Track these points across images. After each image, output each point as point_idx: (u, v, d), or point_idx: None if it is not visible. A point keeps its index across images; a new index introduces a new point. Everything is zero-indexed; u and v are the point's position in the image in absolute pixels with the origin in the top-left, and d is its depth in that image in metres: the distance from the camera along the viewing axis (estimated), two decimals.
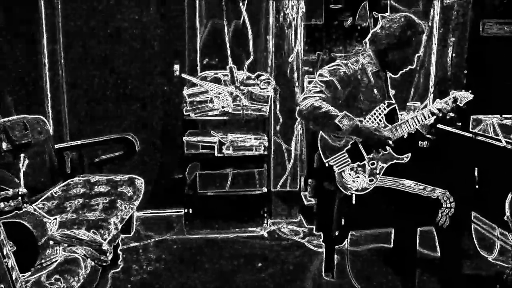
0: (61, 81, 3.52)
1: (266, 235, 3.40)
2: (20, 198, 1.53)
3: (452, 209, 2.32)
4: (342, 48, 3.50)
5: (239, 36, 3.58)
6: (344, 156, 2.43)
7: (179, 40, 3.59)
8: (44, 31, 3.41)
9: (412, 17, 2.47)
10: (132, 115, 3.64)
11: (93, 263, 2.04)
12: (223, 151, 3.34)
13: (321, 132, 2.45)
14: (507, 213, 2.42)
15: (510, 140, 2.71)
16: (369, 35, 2.54)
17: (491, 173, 2.85)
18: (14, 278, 1.47)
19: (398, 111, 2.52)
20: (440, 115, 2.46)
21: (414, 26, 2.44)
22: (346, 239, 2.75)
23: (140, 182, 2.87)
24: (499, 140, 2.75)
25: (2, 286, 1.45)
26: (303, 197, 3.62)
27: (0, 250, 1.43)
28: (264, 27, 3.57)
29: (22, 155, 2.01)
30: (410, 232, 2.43)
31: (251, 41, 3.59)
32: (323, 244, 2.78)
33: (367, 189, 2.43)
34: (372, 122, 2.42)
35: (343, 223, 2.57)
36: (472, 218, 3.22)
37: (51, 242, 1.87)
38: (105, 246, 2.12)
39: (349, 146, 2.43)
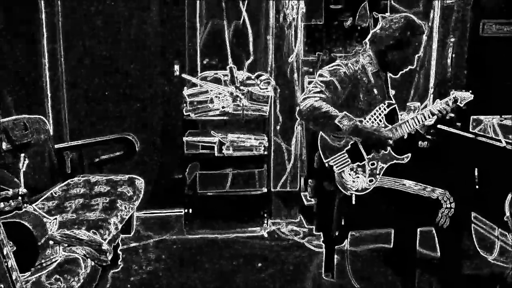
0: (61, 81, 3.52)
1: (266, 235, 3.40)
2: (20, 198, 1.53)
3: (452, 210, 2.32)
4: (342, 49, 3.50)
5: (239, 36, 3.58)
6: (344, 156, 2.43)
7: (179, 40, 3.59)
8: (44, 31, 3.41)
9: (412, 18, 2.47)
10: (132, 115, 3.64)
11: (93, 263, 2.04)
12: (223, 151, 3.34)
13: (321, 132, 2.45)
14: (507, 213, 2.43)
15: (510, 141, 2.71)
16: (369, 36, 2.54)
17: (491, 173, 2.85)
18: (14, 278, 1.47)
19: (398, 111, 2.52)
20: (440, 115, 2.46)
21: (414, 26, 2.44)
22: (346, 239, 2.75)
23: (140, 182, 2.87)
24: (499, 141, 2.75)
25: (2, 286, 1.45)
26: (303, 197, 3.62)
27: (0, 250, 1.43)
28: (264, 27, 3.58)
29: (22, 155, 2.00)
30: (410, 232, 2.43)
31: (251, 41, 3.59)
32: (323, 244, 2.78)
33: (367, 189, 2.43)
34: (372, 122, 2.43)
35: (343, 223, 2.57)
36: (472, 218, 3.22)
37: (51, 242, 1.86)
38: (105, 246, 2.12)
39: (349, 147, 2.43)
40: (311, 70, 3.53)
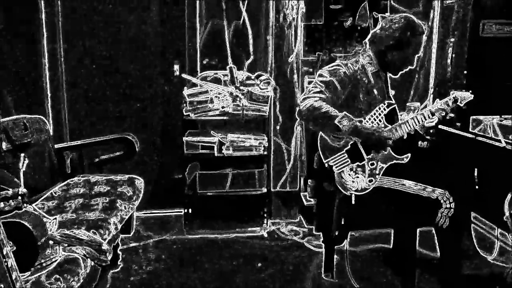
0: (61, 81, 3.52)
1: (266, 235, 3.40)
2: (20, 198, 1.53)
3: (452, 210, 2.32)
4: (342, 49, 3.50)
5: (239, 36, 3.58)
6: (344, 156, 2.43)
7: (179, 40, 3.59)
8: (44, 31, 3.41)
9: (412, 18, 2.47)
10: (132, 115, 3.64)
11: (92, 263, 2.04)
12: (222, 151, 3.34)
13: (320, 132, 2.45)
14: (506, 214, 2.43)
15: (509, 141, 2.71)
16: (369, 36, 2.54)
17: (491, 173, 2.85)
18: (14, 278, 1.47)
19: (398, 111, 2.52)
20: (440, 115, 2.46)
21: (414, 26, 2.44)
22: (346, 239, 2.75)
23: (140, 182, 2.88)
24: (499, 141, 2.75)
25: (2, 286, 1.45)
26: (302, 197, 3.62)
27: (0, 250, 1.43)
28: (264, 28, 3.58)
29: (22, 155, 2.01)
30: (410, 232, 2.43)
31: (251, 41, 3.59)
32: (323, 244, 2.78)
33: (367, 189, 2.43)
34: (372, 122, 2.43)
35: (342, 223, 2.57)
36: (472, 218, 3.22)
37: (51, 242, 1.87)
38: (104, 246, 2.12)
39: (349, 147, 2.43)
40: (311, 70, 3.53)
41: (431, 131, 2.85)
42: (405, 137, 2.49)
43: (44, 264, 1.82)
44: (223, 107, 3.34)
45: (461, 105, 2.50)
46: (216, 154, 3.35)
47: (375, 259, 3.02)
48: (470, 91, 2.52)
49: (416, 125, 2.46)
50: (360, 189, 2.43)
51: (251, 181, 3.45)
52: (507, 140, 2.72)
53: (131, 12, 3.51)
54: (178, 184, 3.57)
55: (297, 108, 2.41)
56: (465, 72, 3.42)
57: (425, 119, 2.46)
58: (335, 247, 2.74)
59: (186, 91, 3.36)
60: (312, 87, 2.39)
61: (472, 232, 3.11)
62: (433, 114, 2.46)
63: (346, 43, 3.50)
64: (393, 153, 2.44)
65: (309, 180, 3.54)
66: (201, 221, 3.40)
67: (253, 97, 3.35)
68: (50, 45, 3.44)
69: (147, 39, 3.57)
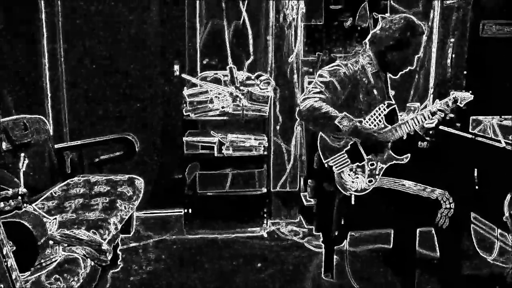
0: (61, 81, 3.52)
1: (265, 235, 3.40)
2: (20, 197, 1.53)
3: (452, 210, 2.32)
4: (342, 49, 3.50)
5: (239, 36, 3.58)
6: (344, 156, 2.43)
7: (179, 40, 3.59)
8: (44, 31, 3.41)
9: (412, 18, 2.47)
10: (132, 115, 3.64)
11: (92, 263, 2.04)
12: (222, 151, 3.34)
13: (320, 132, 2.45)
14: (506, 214, 2.43)
15: (509, 141, 2.71)
16: (369, 36, 2.54)
17: (490, 174, 2.85)
18: (13, 277, 1.47)
19: (398, 111, 2.52)
20: (440, 116, 2.46)
21: (414, 27, 2.44)
22: (346, 240, 2.75)
23: (139, 182, 2.88)
24: (499, 141, 2.75)
25: (2, 285, 1.45)
26: (302, 197, 3.62)
27: (0, 250, 1.43)
28: (264, 28, 3.58)
29: (22, 155, 2.01)
30: (410, 232, 2.43)
31: (251, 42, 3.59)
32: (323, 244, 2.78)
33: (367, 189, 2.43)
34: (372, 122, 2.43)
35: (342, 223, 2.57)
36: (472, 218, 3.22)
37: (50, 242, 1.87)
38: (104, 246, 2.12)
39: (349, 147, 2.43)
40: (311, 70, 3.53)
41: (431, 132, 2.85)
42: (404, 137, 2.49)
43: (44, 264, 1.82)
44: (223, 107, 3.34)
45: (461, 105, 2.49)
46: (216, 154, 3.35)
47: (375, 260, 3.02)
48: (470, 92, 2.52)
49: (416, 125, 2.46)
50: (360, 189, 2.43)
51: (251, 181, 3.45)
52: (507, 141, 2.72)
53: (131, 12, 3.51)
54: (178, 184, 3.57)
55: (297, 108, 2.41)
56: (465, 72, 3.42)
57: (425, 120, 2.46)
58: (335, 247, 2.74)
59: (186, 91, 3.36)
60: (312, 88, 2.39)
61: (472, 233, 3.11)
62: (433, 114, 2.46)
63: (346, 44, 3.50)
64: (393, 154, 2.44)
65: (309, 180, 3.54)
66: (201, 221, 3.40)
67: (253, 97, 3.35)
68: (50, 45, 3.44)
69: (147, 39, 3.57)
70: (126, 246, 3.15)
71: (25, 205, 1.57)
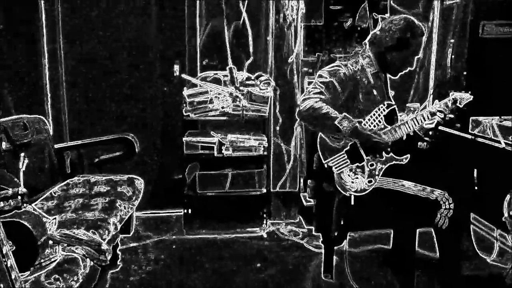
0: (61, 81, 3.52)
1: (265, 235, 3.40)
2: (19, 197, 1.53)
3: (451, 210, 2.32)
4: (342, 49, 3.50)
5: (239, 36, 3.58)
6: (343, 157, 2.43)
7: (179, 41, 3.59)
8: (44, 31, 3.42)
9: (412, 19, 2.47)
10: (132, 115, 3.64)
11: (92, 263, 2.04)
12: (222, 152, 3.34)
13: (320, 133, 2.45)
14: (505, 214, 2.43)
15: (509, 142, 2.71)
16: (369, 36, 2.54)
17: (490, 174, 2.85)
18: (13, 277, 1.47)
19: (397, 112, 2.52)
20: (440, 117, 2.46)
21: (413, 28, 2.44)
22: (345, 240, 2.75)
23: (139, 182, 2.88)
24: (498, 142, 2.76)
25: (1, 285, 1.46)
26: (302, 198, 3.62)
27: (0, 250, 1.43)
28: (264, 28, 3.58)
29: (22, 154, 2.01)
30: (409, 233, 2.44)
31: (251, 42, 3.59)
32: (322, 244, 2.78)
33: (366, 190, 2.43)
34: (372, 123, 2.43)
35: (342, 224, 2.57)
36: (471, 219, 3.22)
37: (50, 242, 1.87)
38: (104, 246, 2.12)
39: (348, 147, 2.43)
40: (310, 70, 3.53)
41: (430, 132, 2.85)
42: (404, 138, 2.49)
43: (43, 264, 1.82)
44: (223, 108, 3.34)
45: (461, 106, 2.49)
46: (216, 155, 3.35)
47: (374, 260, 3.02)
48: (470, 92, 2.52)
49: (416, 126, 2.46)
50: (360, 189, 2.43)
51: (251, 182, 3.45)
52: (506, 141, 2.72)
53: (131, 12, 3.51)
54: (178, 184, 3.57)
55: (297, 109, 2.41)
56: (465, 73, 3.42)
57: (425, 120, 2.47)
58: (335, 247, 2.74)
59: (186, 92, 3.36)
60: (312, 88, 2.40)
61: (472, 233, 3.11)
62: (432, 115, 2.46)
63: (346, 44, 3.50)
64: (392, 154, 2.44)
65: (309, 181, 3.54)
66: (201, 221, 3.40)
67: (253, 98, 3.35)
68: (50, 45, 3.44)
69: (147, 39, 3.57)
70: (125, 246, 3.15)
71: (24, 205, 1.57)
